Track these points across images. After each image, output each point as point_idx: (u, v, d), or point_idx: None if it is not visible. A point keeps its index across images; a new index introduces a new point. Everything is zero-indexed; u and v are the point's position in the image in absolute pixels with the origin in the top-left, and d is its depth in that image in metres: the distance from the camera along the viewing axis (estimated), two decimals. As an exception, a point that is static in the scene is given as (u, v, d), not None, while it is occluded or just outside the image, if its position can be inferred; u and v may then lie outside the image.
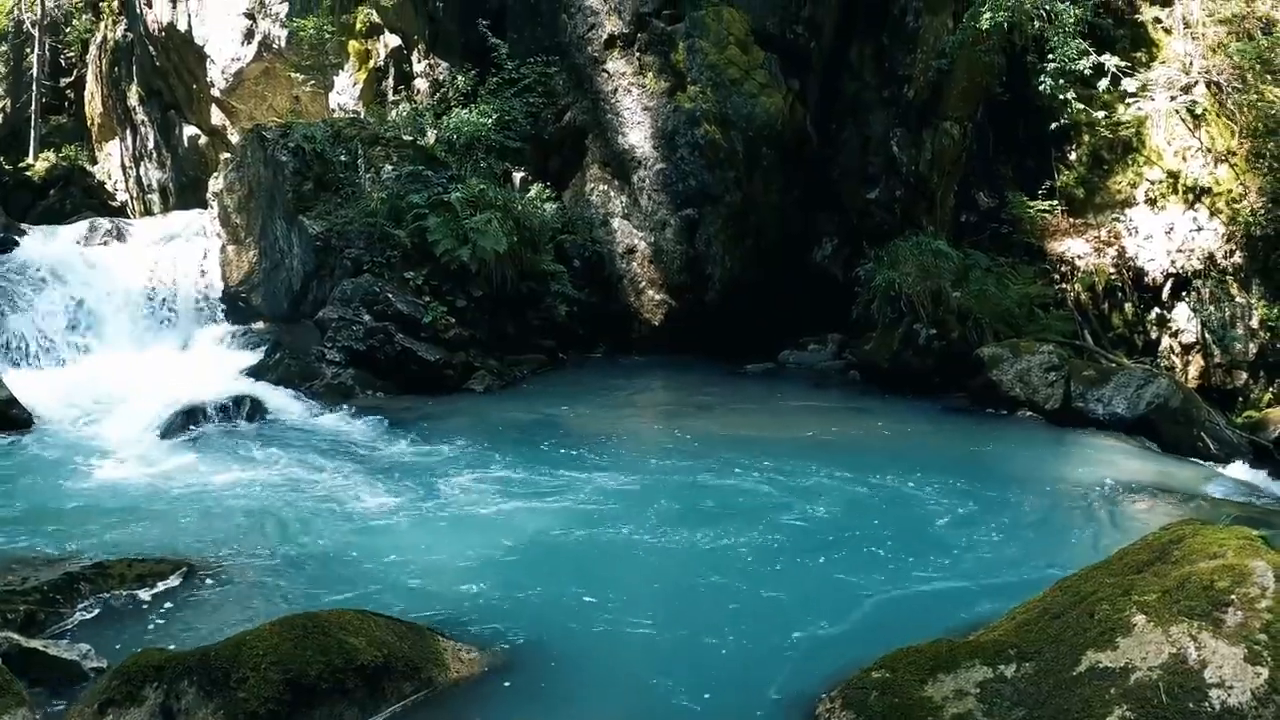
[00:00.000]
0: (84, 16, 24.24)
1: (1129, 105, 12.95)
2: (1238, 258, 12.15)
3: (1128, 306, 12.73)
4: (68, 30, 24.74)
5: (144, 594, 5.49)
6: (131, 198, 21.63)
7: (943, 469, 8.49)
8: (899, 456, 8.81)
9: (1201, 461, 9.76)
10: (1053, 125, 13.21)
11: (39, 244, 14.37)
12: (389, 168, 13.19)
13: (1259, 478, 9.54)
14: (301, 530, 6.76)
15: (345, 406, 10.55)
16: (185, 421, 9.74)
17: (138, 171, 21.40)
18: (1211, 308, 12.18)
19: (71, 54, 24.92)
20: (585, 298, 13.26)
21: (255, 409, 10.25)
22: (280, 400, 10.63)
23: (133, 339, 13.08)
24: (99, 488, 7.81)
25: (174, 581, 5.67)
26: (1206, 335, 12.16)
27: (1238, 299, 12.07)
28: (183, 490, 7.77)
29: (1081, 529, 7.42)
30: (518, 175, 13.58)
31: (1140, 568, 4.12)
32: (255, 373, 11.59)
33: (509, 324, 12.62)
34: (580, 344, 13.39)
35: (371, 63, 15.91)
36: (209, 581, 5.75)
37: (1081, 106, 12.95)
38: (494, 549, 6.39)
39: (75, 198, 20.31)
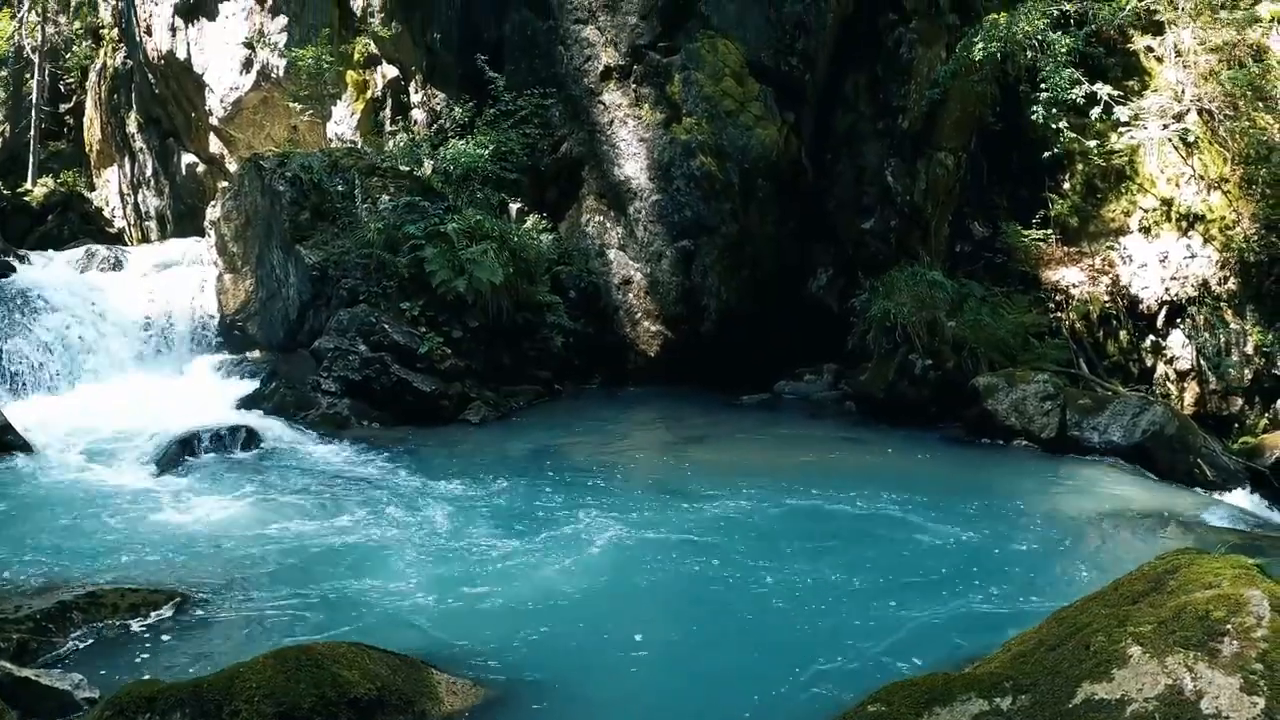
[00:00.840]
0: (84, 43, 24.40)
1: (1122, 134, 12.99)
2: (1231, 284, 12.20)
3: (1122, 334, 12.76)
4: (68, 57, 24.91)
5: (137, 624, 5.48)
6: (129, 225, 21.67)
7: (938, 500, 8.47)
8: (894, 488, 8.79)
9: (1198, 489, 9.75)
10: (1046, 154, 13.28)
11: (36, 270, 14.40)
12: (386, 198, 13.23)
13: (1256, 504, 9.57)
14: (295, 561, 6.74)
15: (341, 437, 10.55)
16: (180, 450, 9.74)
17: (135, 198, 21.45)
18: (1206, 334, 12.23)
19: (71, 80, 25.07)
20: (581, 329, 13.27)
21: (251, 438, 10.26)
22: (276, 430, 10.62)
23: (129, 366, 13.08)
24: (93, 516, 7.79)
25: (167, 612, 5.65)
26: (1201, 362, 12.20)
27: (1232, 325, 12.11)
28: (177, 519, 7.76)
29: (1077, 559, 7.40)
30: (514, 206, 13.62)
31: (1136, 598, 4.11)
32: (251, 402, 11.60)
33: (505, 355, 12.63)
34: (576, 375, 13.39)
35: (369, 93, 16.00)
36: (202, 612, 5.73)
37: (1074, 135, 13.02)
38: (488, 581, 6.37)
39: (73, 224, 20.39)
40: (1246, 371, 11.97)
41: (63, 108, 25.40)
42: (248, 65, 17.17)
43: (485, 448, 10.32)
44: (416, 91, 15.38)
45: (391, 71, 15.78)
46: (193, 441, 9.92)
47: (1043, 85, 12.91)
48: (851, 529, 7.70)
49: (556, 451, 10.28)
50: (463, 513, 7.95)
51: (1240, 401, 11.98)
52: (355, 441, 10.38)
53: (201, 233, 15.71)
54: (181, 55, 18.31)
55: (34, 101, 23.50)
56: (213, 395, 12.06)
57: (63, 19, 25.77)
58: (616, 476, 9.36)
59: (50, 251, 16.03)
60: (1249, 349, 11.97)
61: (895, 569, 6.75)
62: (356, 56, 15.99)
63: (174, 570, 6.43)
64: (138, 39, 19.56)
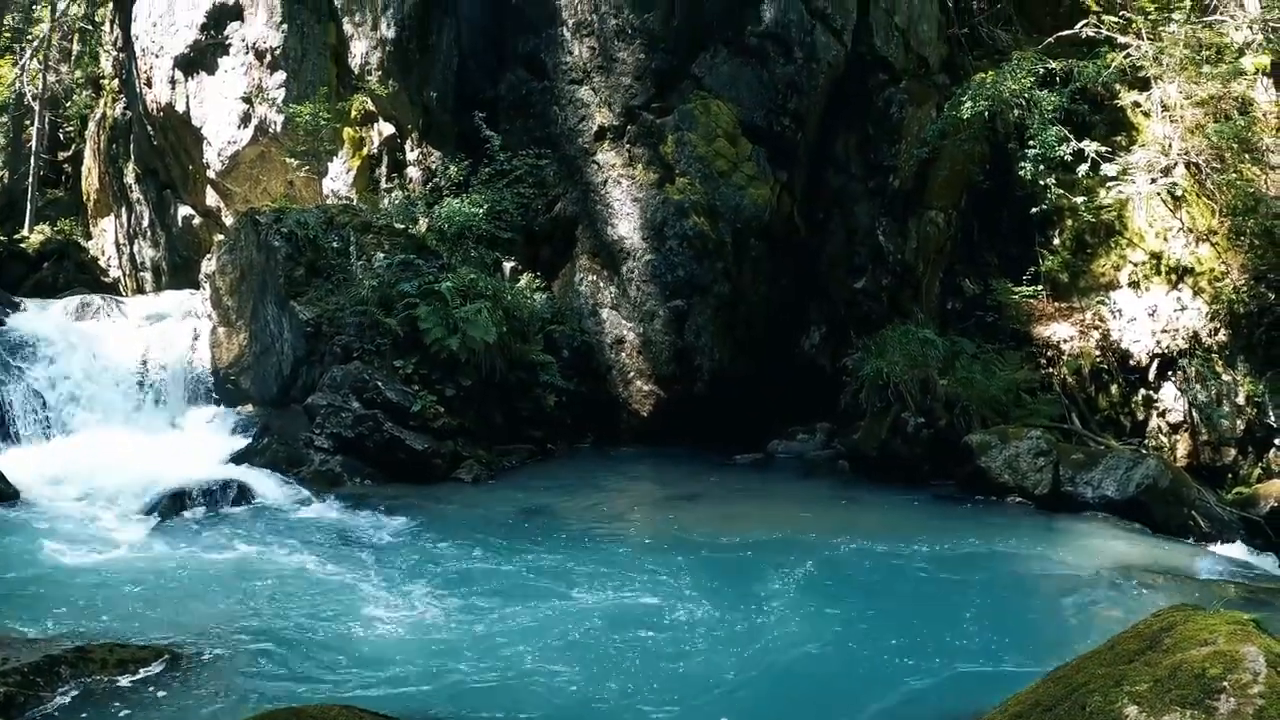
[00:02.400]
0: (84, 93, 24.58)
1: (1110, 189, 13.12)
2: (1222, 335, 12.26)
3: (1114, 388, 12.80)
4: (68, 105, 25.08)
5: (125, 680, 5.43)
6: (124, 275, 21.67)
7: (932, 559, 8.47)
8: (888, 548, 8.79)
9: (1193, 541, 9.77)
10: (1035, 211, 13.37)
11: (30, 317, 14.37)
12: (381, 255, 13.29)
13: (1251, 554, 9.57)
14: (286, 620, 6.69)
15: (333, 494, 10.54)
16: (171, 504, 9.74)
17: (131, 249, 21.47)
18: (1198, 386, 12.25)
19: (71, 129, 25.21)
20: (574, 388, 13.27)
21: (242, 494, 10.24)
22: (267, 485, 10.61)
23: (121, 417, 13.00)
24: (82, 568, 7.76)
25: (156, 669, 5.60)
26: (1194, 414, 12.22)
27: (1224, 377, 12.14)
28: (167, 574, 7.72)
29: (1073, 616, 7.40)
30: (508, 265, 13.69)
31: (1131, 657, 4.10)
32: (243, 456, 11.55)
33: (497, 413, 12.65)
34: (569, 434, 13.36)
35: (365, 150, 16.14)
36: (191, 670, 5.68)
37: (1063, 192, 13.13)
38: (479, 642, 6.34)
39: (68, 272, 20.36)
40: (1239, 422, 11.99)
41: (62, 156, 25.54)
42: (246, 120, 17.32)
43: (478, 507, 10.30)
44: (413, 149, 15.51)
45: (388, 129, 15.93)
46: (184, 495, 9.92)
47: (1031, 143, 13.07)
48: (846, 589, 7.69)
49: (549, 511, 10.25)
50: (455, 573, 7.93)
51: (1233, 452, 11.98)
52: (347, 499, 10.36)
53: (196, 285, 15.72)
54: (180, 108, 18.46)
55: (33, 149, 23.61)
56: (205, 449, 12.00)
57: (64, 68, 26.03)
58: (609, 538, 9.33)
59: (45, 300, 16.02)
60: (1240, 399, 12.00)
61: (890, 629, 6.73)
62: (354, 113, 16.15)
63: (163, 626, 6.38)
64: (138, 90, 19.72)
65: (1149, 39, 13.53)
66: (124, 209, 21.49)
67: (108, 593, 7.13)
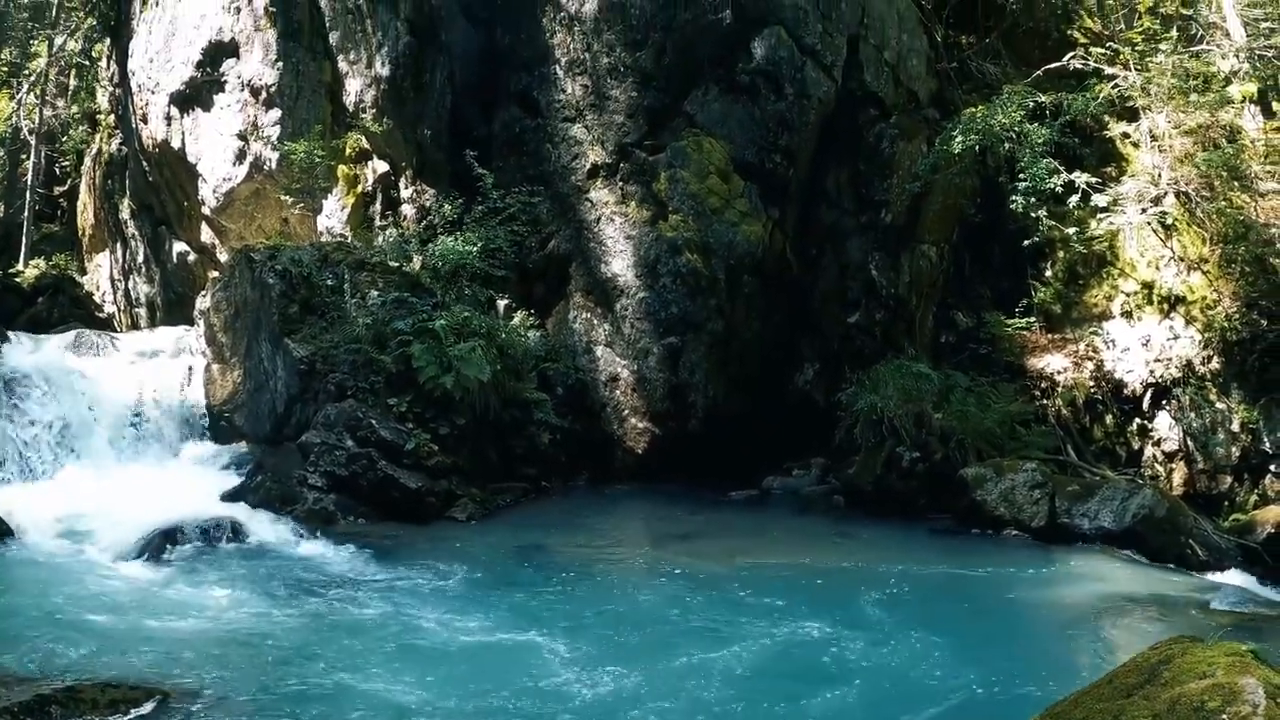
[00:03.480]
0: (80, 128, 24.75)
1: (1101, 220, 13.16)
2: (1215, 363, 12.24)
3: (1109, 418, 12.79)
4: (64, 140, 25.27)
5: (117, 721, 5.39)
6: (119, 310, 21.69)
7: (929, 594, 8.47)
8: (885, 583, 8.77)
9: (1191, 570, 9.77)
10: (1027, 243, 13.43)
11: (24, 352, 14.33)
12: (375, 293, 13.32)
13: (1250, 582, 9.57)
14: (279, 661, 6.66)
15: (326, 532, 10.46)
16: (164, 542, 9.67)
17: (126, 284, 21.50)
18: (1192, 414, 12.23)
19: (67, 164, 25.38)
20: (568, 426, 13.22)
21: (235, 532, 10.19)
22: (261, 524, 10.55)
23: (115, 454, 12.95)
24: (74, 606, 7.70)
25: (147, 709, 5.58)
26: (1189, 442, 12.20)
27: (1218, 404, 12.12)
28: (159, 613, 7.67)
29: (1071, 649, 7.38)
30: (502, 303, 13.71)
31: (1130, 691, 4.09)
32: (236, 494, 11.52)
33: (492, 452, 12.61)
34: (563, 472, 13.29)
35: (360, 188, 16.19)
36: (182, 711, 5.64)
37: (1054, 223, 13.18)
38: (474, 685, 6.31)
39: (63, 307, 20.35)
40: (1234, 449, 11.96)
41: (57, 190, 25.68)
42: (241, 156, 17.40)
43: (471, 546, 10.24)
44: (407, 187, 15.57)
45: (382, 166, 16.01)
46: (177, 533, 9.86)
47: (1021, 176, 13.14)
48: (842, 629, 7.64)
49: (543, 550, 10.23)
50: (448, 613, 7.87)
51: (1229, 479, 11.94)
52: (340, 538, 10.30)
53: (191, 321, 15.74)
54: (176, 144, 18.55)
55: (29, 183, 23.75)
56: (198, 486, 11.95)
57: (61, 103, 26.24)
58: (605, 578, 9.30)
59: (39, 334, 16.01)
60: (1235, 427, 11.99)
61: (886, 667, 6.71)
62: (348, 151, 16.23)
63: (155, 665, 6.34)
64: (133, 126, 19.82)
65: (1137, 70, 13.67)
66: (119, 244, 21.54)
67: (99, 632, 7.08)
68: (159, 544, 9.62)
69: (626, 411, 13.44)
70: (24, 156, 24.98)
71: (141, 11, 19.53)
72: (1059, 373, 13.10)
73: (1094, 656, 6.99)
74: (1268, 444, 11.79)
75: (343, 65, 15.98)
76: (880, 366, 13.09)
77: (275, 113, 16.75)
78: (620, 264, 13.55)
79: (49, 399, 13.10)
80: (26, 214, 23.23)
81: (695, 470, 13.00)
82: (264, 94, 16.87)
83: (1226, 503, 11.79)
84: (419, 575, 9.03)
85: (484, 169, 14.17)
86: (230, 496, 11.49)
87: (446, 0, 14.92)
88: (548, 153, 14.24)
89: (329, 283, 13.46)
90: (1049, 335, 13.54)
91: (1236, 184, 12.77)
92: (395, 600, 8.24)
